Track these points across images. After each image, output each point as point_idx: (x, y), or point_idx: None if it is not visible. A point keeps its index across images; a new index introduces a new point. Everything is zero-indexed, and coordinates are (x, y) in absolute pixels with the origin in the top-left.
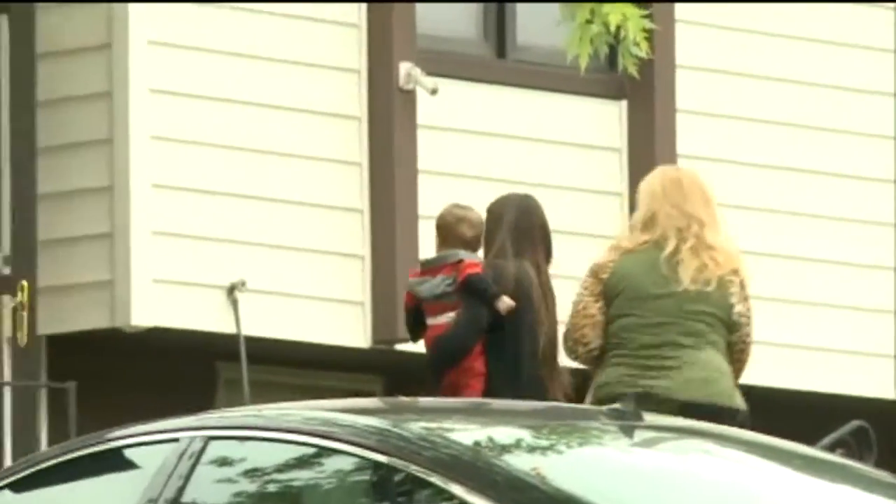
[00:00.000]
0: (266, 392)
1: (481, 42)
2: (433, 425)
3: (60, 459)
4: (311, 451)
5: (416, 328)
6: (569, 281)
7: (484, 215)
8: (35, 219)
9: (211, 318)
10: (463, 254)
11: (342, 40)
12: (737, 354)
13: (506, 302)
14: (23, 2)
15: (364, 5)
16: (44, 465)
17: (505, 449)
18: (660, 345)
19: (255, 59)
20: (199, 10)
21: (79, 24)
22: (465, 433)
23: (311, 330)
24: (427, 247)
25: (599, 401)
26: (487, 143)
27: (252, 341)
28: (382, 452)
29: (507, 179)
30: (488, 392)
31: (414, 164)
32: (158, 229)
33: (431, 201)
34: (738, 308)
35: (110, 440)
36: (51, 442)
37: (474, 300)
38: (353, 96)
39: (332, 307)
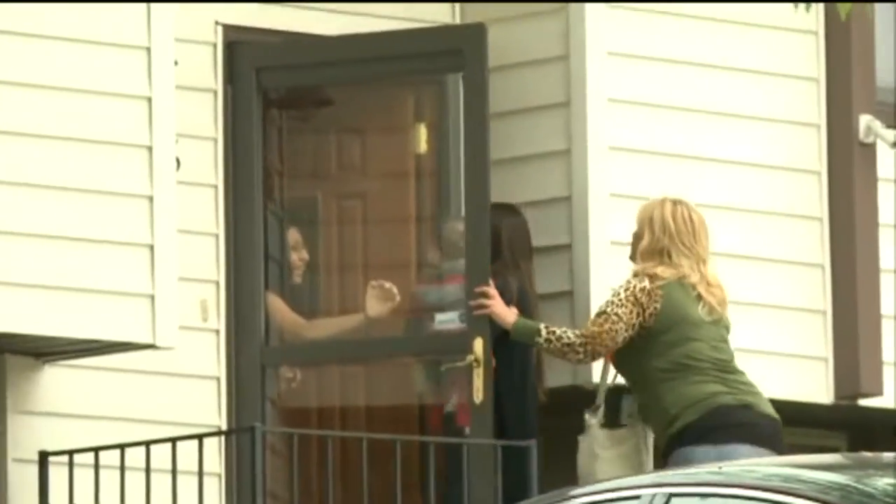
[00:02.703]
0: None
1: None
2: None
3: None
4: None
5: None
6: None
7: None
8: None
9: None
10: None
11: (802, 94)
12: None
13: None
14: None
15: (823, 60)
16: None
17: None
18: (729, 361)
19: (708, 114)
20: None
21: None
22: None
23: (775, 385)
24: (889, 301)
25: (709, 414)
26: None
27: None
28: None
29: None
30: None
31: (874, 218)
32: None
33: (892, 255)
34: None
35: (573, 497)
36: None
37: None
38: (814, 150)
39: (796, 363)
